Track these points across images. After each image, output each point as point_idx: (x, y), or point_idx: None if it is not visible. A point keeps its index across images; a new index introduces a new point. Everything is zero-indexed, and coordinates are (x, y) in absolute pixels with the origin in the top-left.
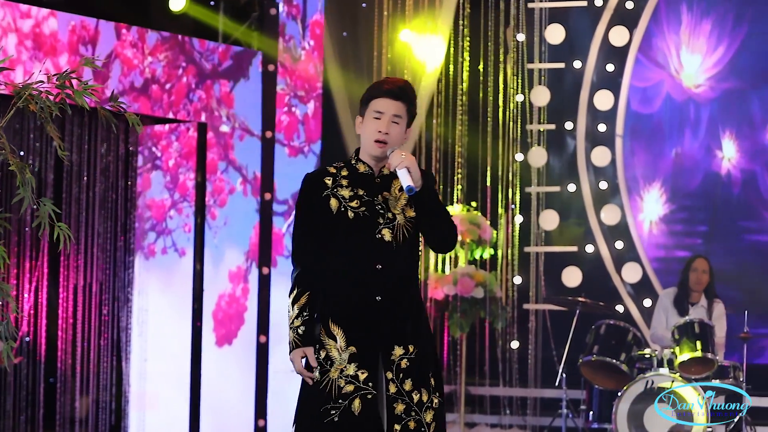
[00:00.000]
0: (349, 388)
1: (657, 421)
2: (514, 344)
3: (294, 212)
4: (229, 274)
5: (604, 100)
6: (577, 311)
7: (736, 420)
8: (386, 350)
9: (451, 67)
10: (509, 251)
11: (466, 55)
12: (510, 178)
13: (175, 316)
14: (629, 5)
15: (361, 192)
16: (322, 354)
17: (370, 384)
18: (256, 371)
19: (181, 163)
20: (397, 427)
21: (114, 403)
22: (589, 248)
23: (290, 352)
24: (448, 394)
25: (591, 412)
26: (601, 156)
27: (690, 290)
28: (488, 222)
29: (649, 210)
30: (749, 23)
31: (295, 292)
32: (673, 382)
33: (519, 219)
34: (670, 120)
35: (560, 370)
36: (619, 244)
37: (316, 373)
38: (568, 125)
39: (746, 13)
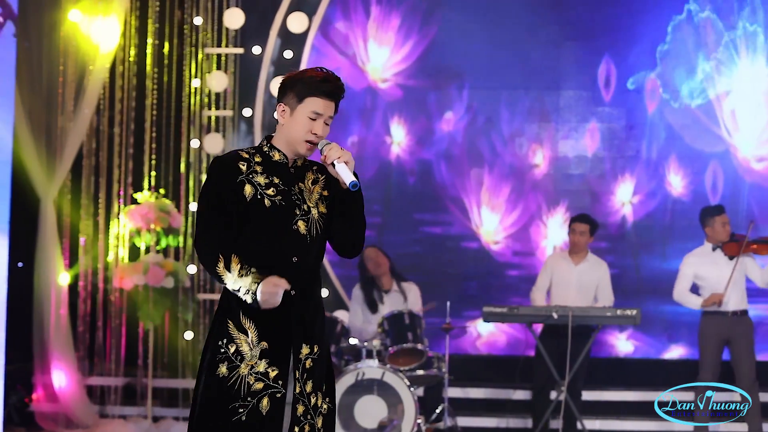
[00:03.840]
0: (259, 385)
1: (367, 412)
2: (188, 335)
3: (201, 191)
4: None
5: None
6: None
7: (438, 410)
8: (296, 348)
9: (132, 50)
10: (186, 240)
11: (150, 37)
12: (188, 165)
13: None
14: None
15: (276, 180)
16: (231, 348)
17: (280, 382)
18: None
19: None
20: (296, 429)
21: None
22: None
23: (255, 291)
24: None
25: None
26: None
27: (374, 278)
28: (177, 210)
29: None
30: (438, 22)
31: (219, 258)
32: (384, 374)
33: (195, 207)
34: (347, 108)
35: None
36: None
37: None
38: (246, 112)
39: (435, 9)
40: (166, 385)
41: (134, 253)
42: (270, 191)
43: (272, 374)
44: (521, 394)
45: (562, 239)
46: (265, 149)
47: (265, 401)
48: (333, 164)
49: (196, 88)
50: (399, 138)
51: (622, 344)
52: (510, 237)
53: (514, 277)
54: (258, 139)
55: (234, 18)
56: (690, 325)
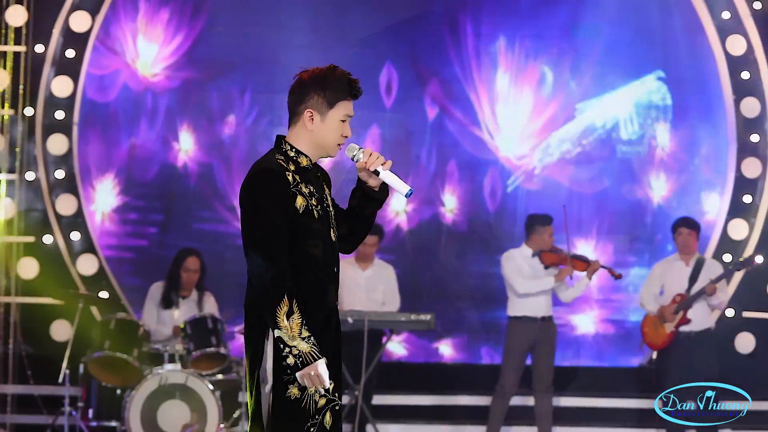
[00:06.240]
0: (322, 401)
1: (170, 417)
2: None
3: (254, 208)
4: None
5: (63, 86)
6: (80, 305)
7: (236, 415)
8: None
9: None
10: None
11: None
12: None
13: None
14: None
15: (312, 189)
16: None
17: (337, 394)
18: None
19: None
20: None
21: None
22: (47, 239)
23: (305, 365)
24: None
25: (90, 410)
26: (58, 144)
27: (181, 285)
28: None
29: (102, 201)
30: (208, 14)
31: (285, 299)
32: (187, 378)
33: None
34: (125, 109)
35: (64, 366)
36: (75, 235)
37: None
38: (28, 111)
39: (205, 4)
40: None
41: None
42: (314, 201)
43: (331, 388)
44: None
45: None
46: (292, 154)
47: (327, 416)
48: (377, 171)
49: None
50: (182, 141)
51: (397, 348)
52: None
53: None
54: (39, 140)
55: (16, 15)
56: (465, 329)
